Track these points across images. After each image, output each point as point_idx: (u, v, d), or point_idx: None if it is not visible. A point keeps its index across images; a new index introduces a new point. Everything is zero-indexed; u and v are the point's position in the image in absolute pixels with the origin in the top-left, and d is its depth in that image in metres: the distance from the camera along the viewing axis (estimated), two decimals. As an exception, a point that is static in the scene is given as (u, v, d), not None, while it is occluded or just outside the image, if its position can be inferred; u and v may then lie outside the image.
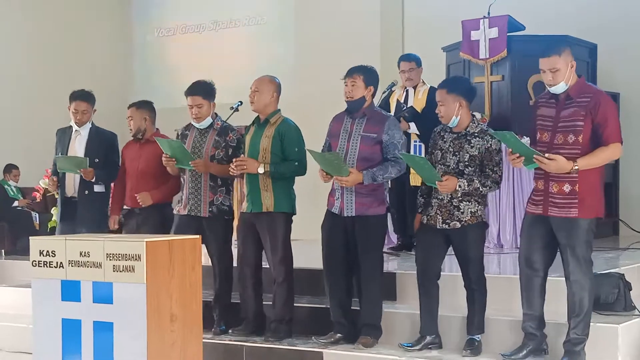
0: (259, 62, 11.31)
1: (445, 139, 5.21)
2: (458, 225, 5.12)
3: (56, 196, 7.07)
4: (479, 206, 5.15)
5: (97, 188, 6.53)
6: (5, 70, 11.60)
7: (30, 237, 4.82)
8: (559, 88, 4.78)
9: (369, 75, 5.43)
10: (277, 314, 5.70)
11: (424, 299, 5.29)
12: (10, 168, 11.03)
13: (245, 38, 11.85)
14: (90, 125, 6.64)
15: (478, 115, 7.75)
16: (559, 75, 4.75)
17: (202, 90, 5.97)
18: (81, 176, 6.41)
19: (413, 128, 7.18)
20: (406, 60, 7.45)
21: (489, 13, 7.94)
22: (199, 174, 5.92)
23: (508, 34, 7.84)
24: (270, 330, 5.72)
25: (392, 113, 7.39)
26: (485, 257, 6.97)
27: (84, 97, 6.61)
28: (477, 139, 5.12)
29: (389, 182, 7.40)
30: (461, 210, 5.12)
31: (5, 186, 10.91)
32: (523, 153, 4.73)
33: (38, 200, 10.14)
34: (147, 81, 12.70)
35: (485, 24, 7.90)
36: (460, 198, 5.11)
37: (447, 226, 5.14)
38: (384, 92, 7.49)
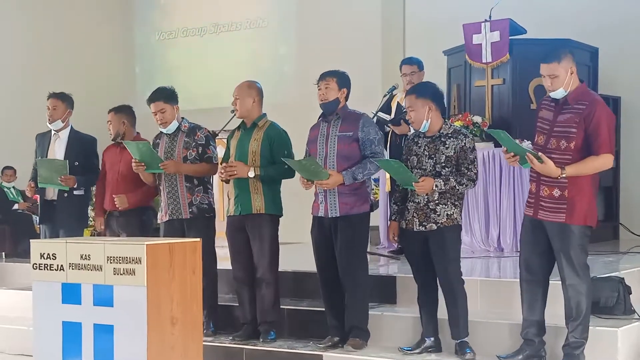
0: (260, 65, 11.33)
1: (419, 144, 5.27)
2: (434, 227, 5.15)
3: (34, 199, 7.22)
4: (455, 209, 5.18)
5: (77, 191, 6.70)
6: (6, 71, 11.60)
7: (30, 240, 4.83)
8: (558, 94, 4.80)
9: (341, 77, 5.50)
10: (265, 315, 5.74)
11: (422, 303, 5.30)
12: (5, 169, 11.01)
13: (246, 41, 11.86)
14: (70, 129, 6.80)
15: (478, 118, 7.79)
16: (558, 82, 4.76)
17: (163, 95, 6.05)
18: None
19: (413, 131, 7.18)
20: (408, 64, 7.48)
21: (490, 16, 7.94)
22: (174, 178, 5.97)
23: (510, 38, 7.84)
24: (262, 334, 5.76)
25: (393, 116, 7.42)
26: (485, 261, 7.06)
27: (57, 95, 6.83)
28: (452, 139, 5.16)
29: (388, 186, 7.45)
30: (437, 213, 5.15)
31: (5, 189, 10.89)
32: (516, 151, 4.77)
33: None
34: (149, 84, 12.65)
35: (486, 28, 7.90)
36: (437, 201, 5.15)
37: (423, 228, 5.17)
38: (385, 95, 7.51)
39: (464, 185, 5.13)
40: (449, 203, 5.16)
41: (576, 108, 4.75)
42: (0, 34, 11.69)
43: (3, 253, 9.89)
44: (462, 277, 5.21)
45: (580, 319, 4.78)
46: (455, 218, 5.18)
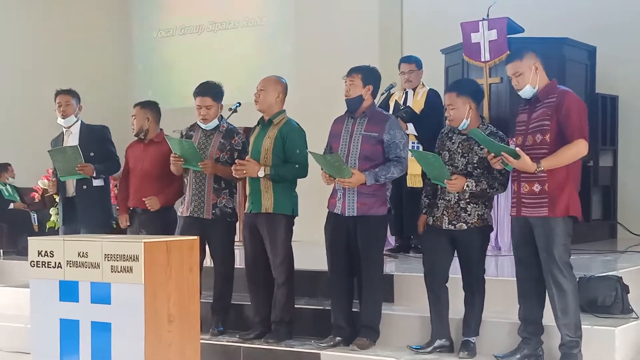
0: (258, 63, 11.31)
1: (453, 140, 5.20)
2: (464, 227, 5.11)
3: (55, 197, 7.09)
4: (486, 209, 5.15)
5: (96, 182, 6.56)
6: (4, 70, 11.59)
7: (28, 238, 4.83)
8: (526, 92, 4.85)
9: (367, 74, 5.43)
10: (277, 315, 5.69)
11: (433, 303, 5.26)
12: (4, 166, 10.97)
13: (244, 39, 11.85)
14: (80, 123, 6.71)
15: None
16: (523, 79, 4.82)
17: (212, 91, 5.96)
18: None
19: (411, 129, 7.19)
20: (406, 62, 7.48)
21: (488, 15, 7.94)
22: (203, 175, 5.91)
23: (507, 36, 7.84)
24: (270, 331, 5.72)
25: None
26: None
27: (66, 91, 6.73)
28: None
29: (390, 185, 7.45)
30: (468, 212, 5.11)
31: (1, 186, 10.84)
32: (494, 150, 4.77)
33: (37, 200, 10.11)
34: (147, 82, 12.70)
35: (484, 26, 7.89)
36: (467, 200, 5.10)
37: (453, 227, 5.13)
38: (382, 94, 7.49)
39: (495, 190, 5.08)
40: (480, 202, 5.11)
41: (547, 102, 4.81)
42: (-2, 32, 11.70)
43: (1, 250, 9.87)
44: (484, 277, 5.20)
45: (570, 317, 4.79)
46: (486, 219, 5.15)
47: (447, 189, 5.10)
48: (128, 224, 6.45)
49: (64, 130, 6.71)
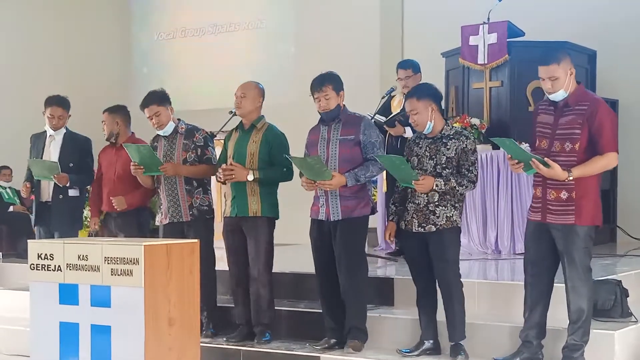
0: (259, 65, 11.32)
1: (420, 145, 5.26)
2: (433, 228, 5.14)
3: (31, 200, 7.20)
4: (455, 211, 5.18)
5: (72, 192, 6.70)
6: (3, 71, 11.59)
7: (28, 241, 4.83)
8: (559, 96, 4.79)
9: (335, 81, 5.47)
10: (261, 317, 5.74)
11: (421, 305, 5.30)
12: (1, 169, 10.98)
13: (244, 41, 11.86)
14: (65, 130, 6.78)
15: (476, 120, 7.80)
16: (558, 84, 4.76)
17: (155, 98, 6.04)
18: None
19: (409, 132, 7.18)
20: (403, 68, 7.45)
21: (488, 19, 7.95)
22: (174, 181, 5.97)
23: (507, 40, 7.85)
24: (257, 335, 5.76)
25: (388, 118, 7.40)
26: (483, 263, 7.06)
27: (59, 102, 6.77)
28: (453, 140, 5.16)
29: (385, 186, 7.45)
30: (437, 215, 5.14)
31: (1, 189, 10.85)
32: (522, 159, 4.75)
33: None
34: (147, 84, 12.66)
35: (484, 30, 7.91)
36: (436, 202, 5.14)
37: (422, 230, 5.17)
38: (383, 97, 7.51)
39: (464, 187, 5.12)
40: (448, 205, 5.15)
41: (578, 109, 4.75)
42: (-2, 35, 11.71)
43: (0, 253, 9.87)
44: (461, 280, 5.21)
45: (581, 322, 4.78)
46: (455, 220, 5.17)
47: (417, 190, 5.13)
48: (97, 227, 6.59)
49: (49, 134, 6.77)
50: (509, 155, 4.80)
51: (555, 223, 4.78)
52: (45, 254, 4.61)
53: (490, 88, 7.98)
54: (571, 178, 4.67)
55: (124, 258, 4.36)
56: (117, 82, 12.62)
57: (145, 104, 6.03)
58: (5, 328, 6.83)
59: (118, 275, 4.38)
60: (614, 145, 4.73)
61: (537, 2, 9.47)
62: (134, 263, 4.34)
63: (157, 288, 4.40)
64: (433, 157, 5.18)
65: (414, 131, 7.14)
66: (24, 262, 4.88)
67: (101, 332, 4.43)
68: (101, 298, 4.43)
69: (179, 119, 6.13)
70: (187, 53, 12.31)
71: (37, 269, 4.64)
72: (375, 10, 10.63)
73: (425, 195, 5.15)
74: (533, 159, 4.68)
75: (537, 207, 4.89)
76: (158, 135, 6.12)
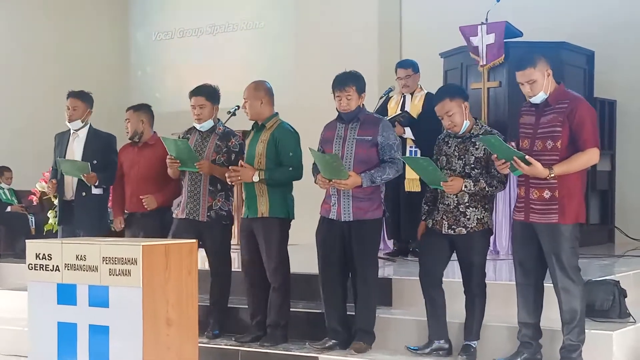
0: (257, 66, 11.31)
1: (449, 144, 5.21)
2: (464, 231, 5.10)
3: (53, 200, 7.08)
4: (485, 212, 5.14)
5: (95, 191, 6.54)
6: (3, 71, 11.59)
7: (26, 240, 4.82)
8: (539, 98, 4.82)
9: (359, 83, 5.46)
10: (272, 319, 5.70)
11: (429, 304, 5.27)
12: (2, 170, 10.96)
13: (243, 42, 11.85)
14: (88, 128, 6.68)
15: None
16: (537, 86, 4.79)
17: (206, 91, 5.99)
18: (79, 179, 6.42)
19: (408, 133, 7.18)
20: (402, 67, 7.45)
21: (486, 19, 7.95)
22: (199, 178, 5.92)
23: (505, 40, 7.84)
24: (266, 335, 5.72)
25: (389, 118, 7.41)
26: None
27: (77, 95, 6.68)
28: None
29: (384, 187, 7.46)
30: (467, 217, 5.10)
31: (-1, 190, 10.84)
32: (507, 157, 4.75)
33: (35, 203, 10.10)
34: (145, 84, 12.71)
35: (483, 30, 7.90)
36: (467, 204, 5.09)
37: (452, 232, 5.13)
38: (381, 98, 7.51)
39: (494, 187, 5.07)
40: (479, 206, 5.11)
41: (558, 107, 4.78)
42: (-3, 34, 11.71)
43: (-2, 253, 9.87)
44: (485, 281, 5.20)
45: (576, 322, 4.79)
46: (486, 222, 5.13)
47: (445, 192, 5.09)
48: (123, 225, 6.49)
49: (72, 131, 6.67)
50: (495, 156, 4.81)
51: (539, 222, 4.79)
52: (44, 254, 4.60)
53: (488, 88, 7.97)
54: (553, 175, 4.68)
55: (122, 258, 4.36)
56: (115, 82, 12.61)
57: (194, 92, 5.98)
58: (3, 328, 6.82)
59: (116, 275, 4.37)
60: (595, 141, 4.73)
61: (535, 2, 9.47)
62: (132, 263, 4.34)
63: (156, 288, 4.39)
64: (462, 157, 5.13)
65: (413, 133, 7.19)
66: (22, 262, 4.89)
67: (99, 333, 4.42)
68: (99, 298, 4.43)
69: (219, 119, 6.07)
70: (186, 53, 12.29)
71: (35, 269, 4.63)
72: (373, 11, 10.62)
73: (454, 196, 5.10)
74: (514, 157, 4.69)
75: (520, 207, 4.91)
76: (194, 128, 6.05)
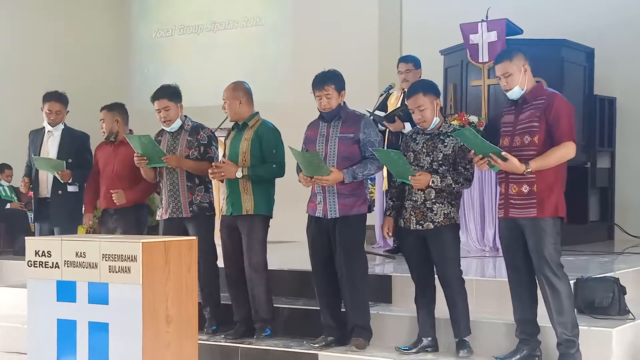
0: (256, 63, 11.33)
1: (417, 141, 5.26)
2: (431, 226, 5.14)
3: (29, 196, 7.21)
4: (452, 208, 5.18)
5: (71, 188, 6.70)
6: (3, 70, 11.58)
7: (26, 238, 4.82)
8: (515, 93, 4.86)
9: (338, 81, 5.46)
10: (260, 315, 5.75)
11: (419, 302, 5.31)
12: (2, 168, 10.97)
13: (243, 39, 11.86)
14: (63, 126, 6.80)
15: (475, 118, 7.80)
16: (513, 80, 4.83)
17: (168, 93, 6.03)
18: (54, 177, 6.53)
19: (408, 128, 7.18)
20: (404, 62, 7.48)
21: (487, 17, 7.95)
22: (176, 176, 5.97)
23: (506, 38, 7.84)
24: (252, 330, 5.79)
25: (388, 113, 7.40)
26: (481, 261, 7.06)
27: (57, 97, 6.79)
28: (450, 137, 5.15)
29: (385, 184, 7.45)
30: (434, 212, 5.14)
31: (-1, 187, 10.85)
32: (482, 152, 4.76)
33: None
34: (145, 81, 12.70)
35: (483, 28, 7.90)
36: (433, 200, 5.14)
37: (420, 227, 5.17)
38: (381, 95, 7.52)
39: (460, 184, 5.12)
40: (445, 202, 5.15)
41: (535, 104, 4.82)
42: (-5, 32, 11.69)
43: (-2, 250, 9.88)
44: (462, 277, 5.22)
45: (565, 316, 4.79)
46: (453, 217, 5.17)
47: (413, 186, 5.12)
48: (90, 222, 6.64)
49: (47, 130, 6.79)
50: (472, 151, 4.83)
51: (519, 217, 4.81)
52: (43, 251, 4.59)
53: (488, 86, 7.98)
54: (529, 169, 4.70)
55: (122, 255, 4.35)
56: (115, 79, 12.62)
57: (156, 96, 6.01)
58: (2, 325, 6.83)
59: (116, 272, 4.37)
60: (571, 134, 4.75)
61: (535, 0, 9.48)
62: (132, 260, 4.33)
63: (155, 285, 4.39)
64: (430, 153, 5.18)
65: (413, 126, 7.18)
66: (22, 259, 4.88)
67: (99, 330, 4.41)
68: (99, 295, 4.42)
69: (185, 116, 6.11)
70: (186, 50, 12.31)
71: (34, 266, 4.62)
72: (373, 7, 10.63)
73: (422, 193, 5.15)
74: (491, 153, 4.70)
75: (501, 204, 4.95)
76: (163, 130, 6.11)
